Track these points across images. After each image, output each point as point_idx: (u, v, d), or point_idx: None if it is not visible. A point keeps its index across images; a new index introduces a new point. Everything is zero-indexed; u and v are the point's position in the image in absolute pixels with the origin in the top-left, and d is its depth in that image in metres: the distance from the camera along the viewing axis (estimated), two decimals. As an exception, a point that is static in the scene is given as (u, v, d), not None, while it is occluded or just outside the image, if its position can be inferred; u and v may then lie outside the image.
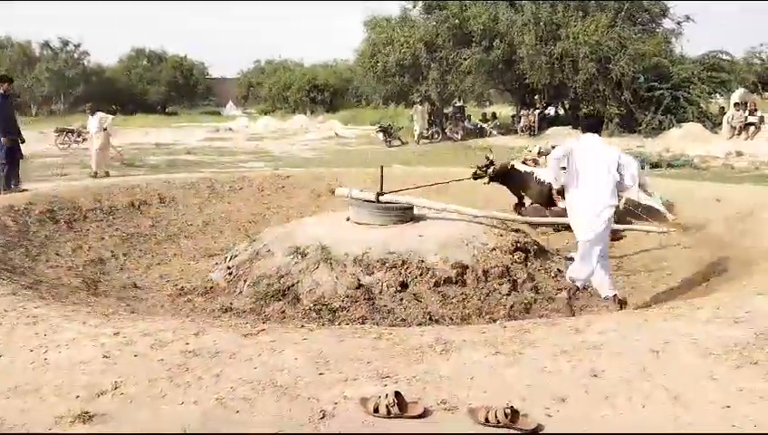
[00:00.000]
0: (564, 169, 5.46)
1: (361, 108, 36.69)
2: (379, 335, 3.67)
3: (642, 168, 10.25)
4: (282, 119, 34.15)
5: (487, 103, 28.05)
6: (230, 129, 29.22)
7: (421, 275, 5.73)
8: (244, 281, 6.06)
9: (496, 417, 2.60)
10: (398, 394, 2.73)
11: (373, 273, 5.71)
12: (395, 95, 25.77)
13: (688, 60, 22.21)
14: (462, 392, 2.88)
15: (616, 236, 7.37)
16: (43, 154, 17.83)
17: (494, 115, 24.41)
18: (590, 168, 5.17)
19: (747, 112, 18.11)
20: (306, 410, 2.75)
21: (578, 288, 5.49)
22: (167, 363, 3.22)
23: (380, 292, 5.58)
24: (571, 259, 5.53)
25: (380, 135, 22.27)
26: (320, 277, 5.73)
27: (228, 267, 6.44)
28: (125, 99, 41.00)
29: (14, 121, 9.76)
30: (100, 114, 14.31)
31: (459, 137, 22.24)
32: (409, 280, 5.69)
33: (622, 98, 20.67)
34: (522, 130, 22.13)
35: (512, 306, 5.56)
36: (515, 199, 8.94)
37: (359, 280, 5.64)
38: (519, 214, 8.50)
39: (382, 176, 7.10)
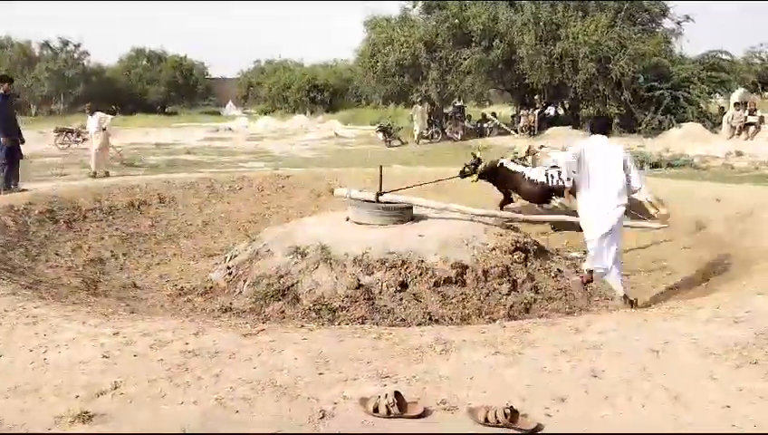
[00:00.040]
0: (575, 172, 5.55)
1: (361, 108, 36.68)
2: (378, 335, 3.67)
3: (641, 167, 10.26)
4: (281, 119, 34.15)
5: (487, 103, 28.07)
6: (230, 129, 29.22)
7: (421, 274, 5.72)
8: (244, 281, 6.05)
9: (496, 417, 2.60)
10: (397, 394, 2.73)
11: (373, 273, 5.71)
12: (395, 95, 25.77)
13: (688, 60, 22.22)
14: (462, 392, 2.88)
15: None
16: (42, 154, 17.83)
17: (493, 115, 24.42)
18: (600, 168, 5.32)
19: (747, 112, 18.10)
20: (306, 409, 2.75)
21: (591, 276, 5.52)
22: (166, 363, 3.22)
23: (380, 292, 5.58)
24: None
25: (380, 135, 22.27)
26: (319, 277, 5.72)
27: (228, 267, 6.43)
28: (125, 99, 41.02)
29: (15, 122, 9.75)
30: (99, 114, 14.31)
31: (459, 137, 22.24)
32: (409, 280, 5.69)
33: (622, 98, 20.68)
34: (521, 130, 22.13)
35: (511, 306, 5.56)
36: (501, 196, 9.01)
37: (358, 280, 5.63)
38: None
39: (381, 176, 7.11)
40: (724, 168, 14.28)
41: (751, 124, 17.90)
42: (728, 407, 2.70)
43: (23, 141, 9.83)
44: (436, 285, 5.67)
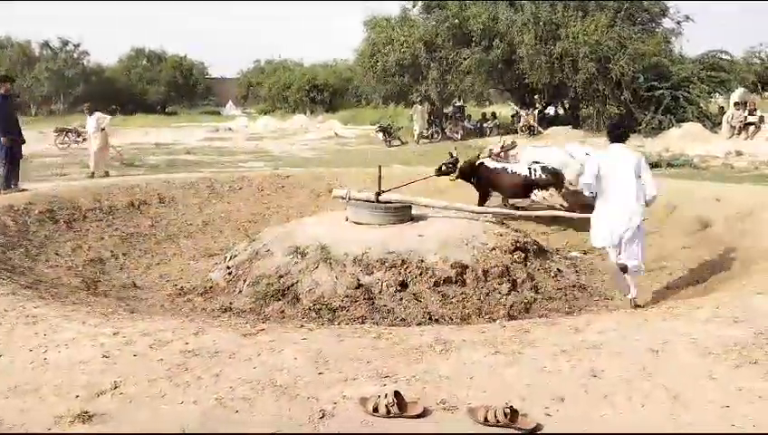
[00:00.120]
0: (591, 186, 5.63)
1: (361, 108, 36.65)
2: (378, 335, 3.67)
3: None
4: (281, 119, 34.12)
5: (487, 103, 28.05)
6: (230, 129, 29.18)
7: (421, 274, 5.73)
8: (244, 281, 6.06)
9: (496, 416, 2.60)
10: (397, 394, 2.73)
11: (373, 272, 5.71)
12: (395, 95, 25.75)
13: (688, 59, 22.19)
14: (461, 392, 2.88)
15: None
16: (42, 154, 17.82)
17: (493, 115, 24.42)
18: (619, 177, 5.39)
19: (747, 112, 18.10)
20: (306, 409, 2.75)
21: (625, 268, 5.52)
22: (166, 363, 3.22)
23: (380, 291, 5.58)
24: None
25: (380, 135, 22.26)
26: (319, 277, 5.72)
27: (228, 267, 6.44)
28: (125, 99, 41.03)
29: (16, 122, 9.74)
30: (97, 114, 14.28)
31: (459, 137, 22.22)
32: (409, 280, 5.69)
33: (622, 98, 20.66)
34: (521, 130, 22.12)
35: (511, 306, 5.56)
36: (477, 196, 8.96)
37: (358, 280, 5.64)
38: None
39: (380, 176, 7.11)
40: (724, 167, 14.27)
41: (751, 124, 17.89)
42: (727, 407, 2.71)
43: (23, 142, 9.82)
44: (436, 284, 5.67)
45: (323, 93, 41.37)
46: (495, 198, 9.17)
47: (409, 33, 22.97)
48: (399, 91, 25.01)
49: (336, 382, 2.99)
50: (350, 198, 6.95)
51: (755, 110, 18.21)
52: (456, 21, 21.86)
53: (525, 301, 5.72)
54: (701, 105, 20.94)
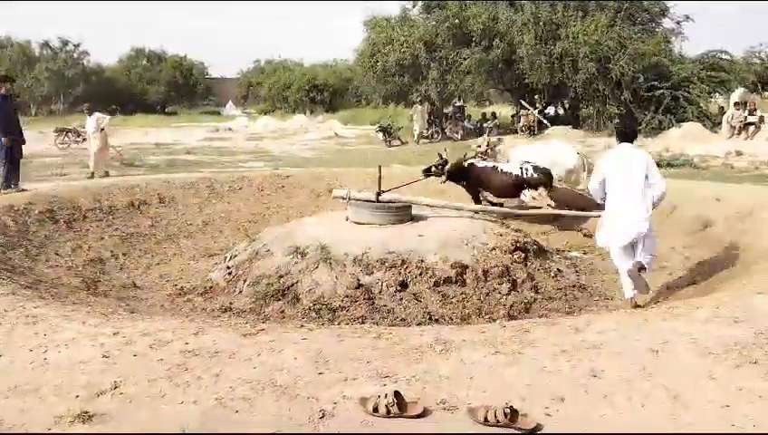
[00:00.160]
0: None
1: (361, 108, 36.65)
2: (378, 335, 3.67)
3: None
4: (281, 119, 34.12)
5: (487, 103, 28.05)
6: (230, 129, 29.19)
7: (421, 274, 5.73)
8: (244, 281, 6.06)
9: (496, 416, 2.60)
10: (397, 394, 2.73)
11: (373, 272, 5.71)
12: (395, 95, 25.75)
13: (688, 59, 22.19)
14: (461, 392, 2.88)
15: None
16: (42, 154, 17.83)
17: (493, 115, 24.43)
18: (628, 177, 5.37)
19: (747, 112, 18.09)
20: (306, 409, 2.75)
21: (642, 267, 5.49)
22: (166, 363, 3.22)
23: (380, 291, 5.58)
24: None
25: (380, 135, 22.27)
26: (319, 277, 5.72)
27: (228, 267, 6.44)
28: (125, 99, 41.03)
29: (16, 122, 9.73)
30: (97, 114, 14.28)
31: (459, 137, 22.23)
32: (409, 280, 5.69)
33: (622, 98, 20.66)
34: (521, 130, 22.12)
35: (511, 306, 5.56)
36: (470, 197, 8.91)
37: (358, 280, 5.64)
38: None
39: (380, 176, 7.11)
40: (724, 167, 14.27)
41: (751, 124, 17.89)
42: (727, 406, 2.71)
43: (24, 142, 9.82)
44: (436, 284, 5.67)
45: (323, 93, 41.38)
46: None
47: (409, 33, 22.97)
48: (399, 91, 25.01)
49: (336, 382, 2.99)
50: (350, 198, 6.95)
51: (755, 110, 18.21)
52: (456, 21, 21.86)
53: (525, 301, 5.72)
54: (701, 105, 20.94)
